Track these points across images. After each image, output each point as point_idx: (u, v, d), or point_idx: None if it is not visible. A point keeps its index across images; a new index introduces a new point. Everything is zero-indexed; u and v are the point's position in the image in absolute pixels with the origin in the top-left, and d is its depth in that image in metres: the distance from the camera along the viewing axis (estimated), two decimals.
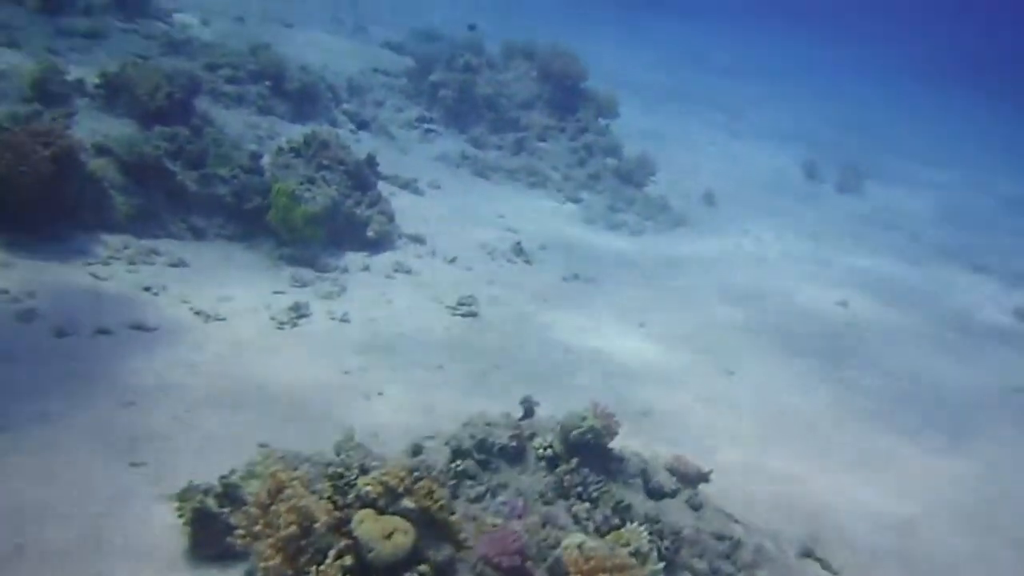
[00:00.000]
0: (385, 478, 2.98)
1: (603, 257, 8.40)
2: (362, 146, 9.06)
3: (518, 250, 7.76)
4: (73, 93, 7.09)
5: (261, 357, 4.98)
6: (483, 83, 10.40)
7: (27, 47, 7.81)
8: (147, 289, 5.37)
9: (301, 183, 6.60)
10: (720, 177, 12.39)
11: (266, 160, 6.92)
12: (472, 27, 11.48)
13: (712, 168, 13.01)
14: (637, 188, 10.11)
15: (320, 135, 6.95)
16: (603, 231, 9.32)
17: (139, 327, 4.87)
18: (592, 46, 16.00)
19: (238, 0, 12.06)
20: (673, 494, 4.33)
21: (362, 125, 9.33)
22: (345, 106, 9.56)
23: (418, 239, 7.41)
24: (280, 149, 7.05)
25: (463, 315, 6.29)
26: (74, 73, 7.53)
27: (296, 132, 8.55)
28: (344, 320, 5.76)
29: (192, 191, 6.43)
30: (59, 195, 5.48)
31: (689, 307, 7.56)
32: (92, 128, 6.80)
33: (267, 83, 8.74)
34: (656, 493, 4.27)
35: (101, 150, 6.14)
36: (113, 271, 5.47)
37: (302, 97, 8.93)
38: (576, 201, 9.72)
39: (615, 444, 4.15)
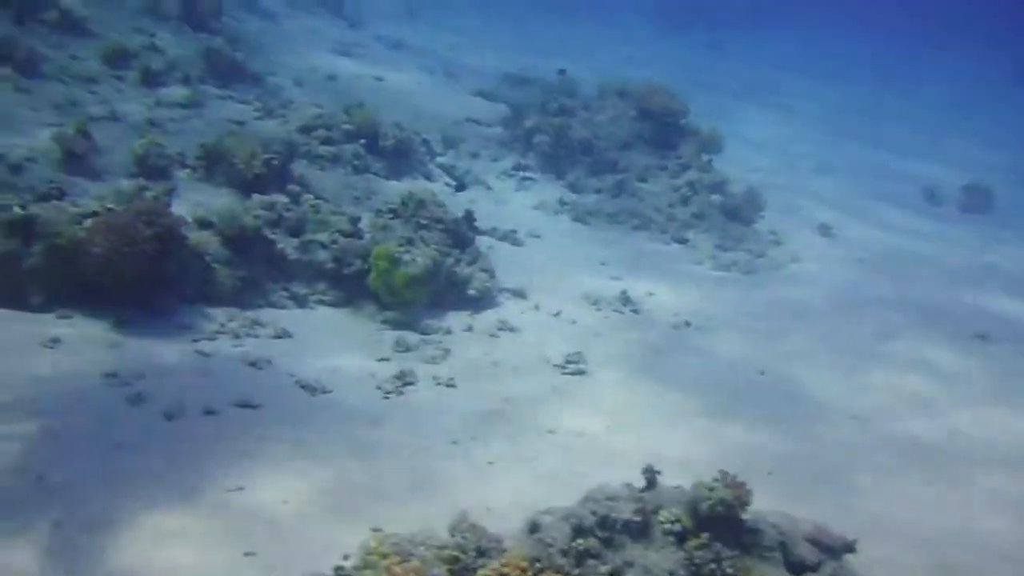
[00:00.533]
0: (506, 571, 2.87)
1: (716, 301, 8.14)
2: (457, 198, 9.18)
3: (624, 299, 7.60)
4: (173, 165, 7.39)
5: (368, 432, 4.97)
6: (578, 126, 10.37)
7: (129, 119, 8.20)
8: (252, 364, 5.45)
9: (400, 245, 6.65)
10: (834, 207, 11.95)
11: (365, 222, 7.01)
12: (562, 72, 11.53)
13: (822, 195, 12.58)
14: (746, 225, 9.83)
15: (417, 194, 7.01)
16: (712, 271, 9.08)
17: (246, 405, 4.93)
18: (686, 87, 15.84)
19: (328, 60, 12.47)
20: (816, 567, 4.07)
21: (457, 178, 9.39)
22: (440, 159, 9.67)
23: (520, 293, 7.35)
24: (378, 211, 7.15)
25: (571, 374, 6.17)
26: (174, 144, 7.89)
27: (392, 189, 8.75)
28: (450, 385, 5.72)
29: (293, 259, 6.56)
30: (163, 272, 5.65)
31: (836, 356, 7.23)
32: (193, 200, 7.05)
33: (362, 141, 8.92)
34: (797, 567, 4.02)
35: (203, 223, 6.34)
36: (218, 346, 5.59)
37: (397, 153, 9.07)
38: (682, 241, 9.51)
39: (748, 515, 3.93)
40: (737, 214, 9.80)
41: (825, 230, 10.74)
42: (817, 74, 24.84)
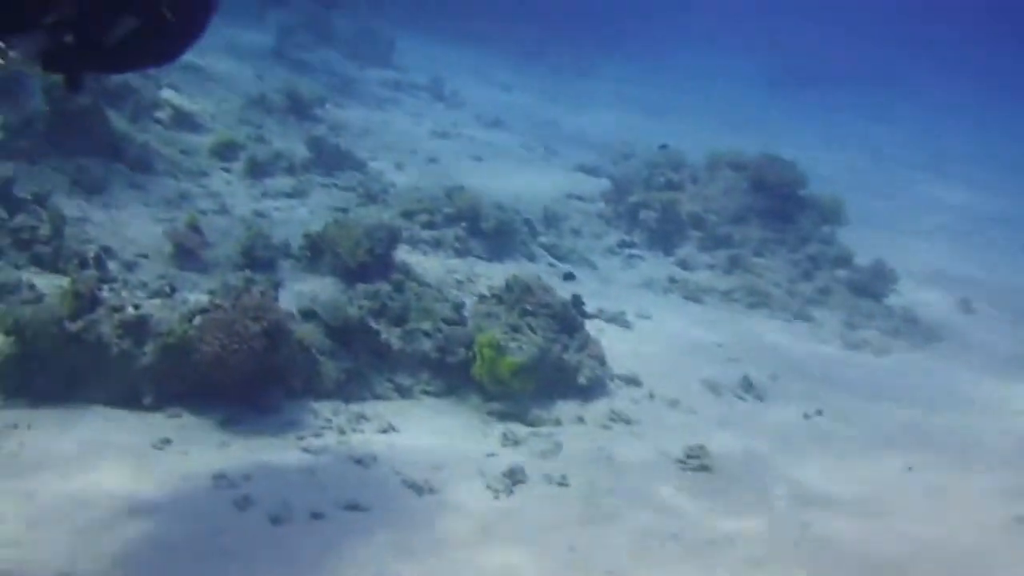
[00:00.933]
0: None
1: (848, 385, 7.74)
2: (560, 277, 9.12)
3: (746, 384, 7.30)
4: (279, 256, 7.57)
5: (482, 540, 4.81)
6: (687, 200, 10.21)
7: (237, 211, 8.50)
8: (358, 461, 5.40)
9: (505, 332, 6.57)
10: (971, 280, 11.35)
11: (469, 309, 6.98)
12: (664, 147, 11.48)
13: (956, 267, 11.97)
14: (876, 300, 9.39)
15: (522, 279, 6.94)
16: (841, 351, 8.67)
17: (354, 507, 4.86)
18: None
19: (428, 142, 12.76)
20: None
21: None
22: (542, 238, 9.64)
23: (633, 380, 7.14)
24: (482, 297, 7.11)
25: (694, 470, 5.89)
26: (280, 233, 8.11)
27: (495, 271, 8.74)
28: (562, 484, 5.52)
29: (396, 349, 6.55)
30: (270, 367, 5.71)
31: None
32: (297, 290, 7.19)
33: (463, 224, 8.99)
34: None
35: (307, 315, 6.42)
36: (324, 443, 5.57)
37: (498, 234, 9.09)
38: (805, 319, 9.14)
39: None
40: (866, 289, 9.38)
41: (966, 305, 10.18)
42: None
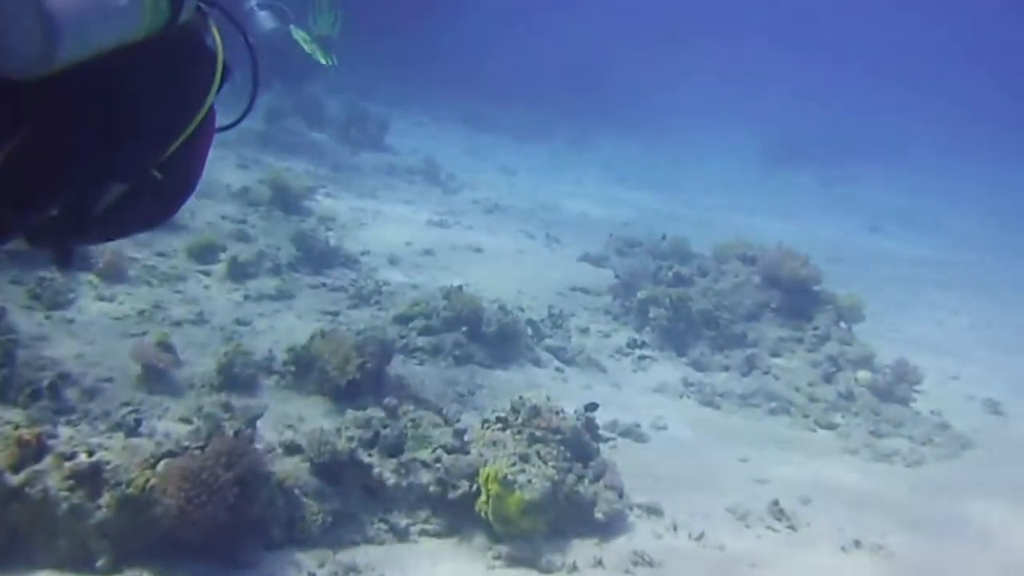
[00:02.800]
0: None
1: (884, 507, 7.04)
2: (569, 386, 8.46)
3: (777, 512, 6.60)
4: (260, 373, 6.93)
5: None
6: (698, 296, 9.62)
7: (215, 320, 7.87)
8: None
9: (513, 464, 5.89)
10: (997, 378, 10.71)
11: (471, 434, 6.31)
12: (664, 238, 10.98)
13: (983, 363, 11.35)
14: (902, 405, 8.74)
15: (530, 400, 6.29)
16: (871, 464, 7.99)
17: None
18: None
19: (424, 233, 12.22)
20: None
21: (569, 361, 8.72)
22: (548, 341, 9.02)
23: (654, 509, 6.44)
24: (485, 421, 6.45)
25: None
26: (263, 343, 7.48)
27: (498, 380, 8.12)
28: None
29: (391, 484, 5.85)
30: (245, 518, 5.01)
31: None
32: (280, 412, 6.55)
33: (463, 329, 8.37)
34: None
35: (290, 448, 5.75)
36: None
37: (501, 339, 8.48)
38: (829, 427, 8.47)
39: None
40: (891, 393, 8.74)
41: (994, 406, 9.53)
42: None
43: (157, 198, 2.61)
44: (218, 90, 2.65)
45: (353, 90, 20.41)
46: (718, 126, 29.49)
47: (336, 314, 8.71)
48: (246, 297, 8.51)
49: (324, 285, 9.28)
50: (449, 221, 13.26)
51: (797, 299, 9.59)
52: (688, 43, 37.25)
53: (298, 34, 13.40)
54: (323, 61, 12.85)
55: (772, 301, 9.61)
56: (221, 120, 2.86)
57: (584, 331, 9.68)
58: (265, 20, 13.20)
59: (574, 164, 22.12)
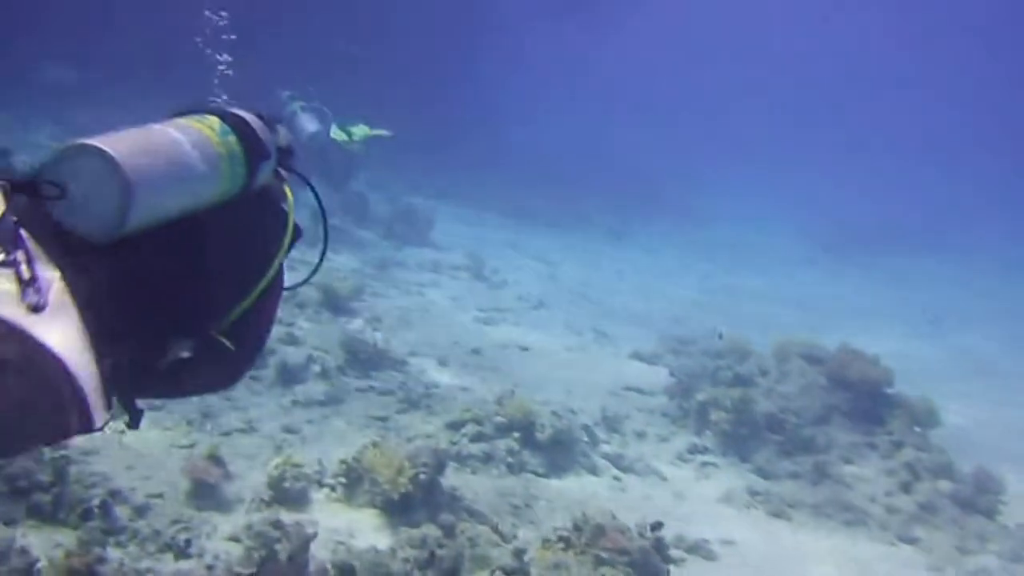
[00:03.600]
0: None
1: None
2: (629, 496, 8.18)
3: None
4: (311, 486, 6.78)
5: None
6: (761, 397, 9.35)
7: (264, 428, 7.77)
8: None
9: None
10: None
11: (531, 554, 6.06)
12: (720, 336, 10.80)
13: None
14: (987, 518, 8.32)
15: (592, 518, 6.05)
16: None
17: None
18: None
19: (471, 331, 12.15)
20: None
21: (627, 468, 8.47)
22: (604, 447, 8.78)
23: None
24: (546, 540, 6.20)
25: None
26: (312, 452, 7.35)
27: (554, 489, 7.87)
28: None
29: None
30: None
31: None
32: (332, 527, 6.35)
33: (515, 435, 8.18)
34: None
35: (343, 570, 5.55)
36: None
37: (555, 445, 8.27)
38: (910, 542, 8.06)
39: None
40: (973, 504, 8.33)
41: None
42: None
43: (222, 362, 2.65)
44: (288, 250, 2.74)
45: (397, 185, 20.76)
46: (761, 215, 29.46)
47: (385, 419, 8.57)
48: (295, 403, 8.42)
49: (373, 388, 9.18)
50: (495, 318, 13.19)
51: (868, 402, 9.28)
52: (727, 129, 37.72)
53: (338, 133, 13.70)
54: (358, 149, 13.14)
55: (841, 404, 9.31)
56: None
57: (641, 435, 9.43)
58: (308, 123, 13.55)
59: (616, 254, 22.10)
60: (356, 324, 10.69)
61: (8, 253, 1.99)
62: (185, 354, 2.55)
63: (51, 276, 2.03)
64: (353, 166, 14.82)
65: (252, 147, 2.56)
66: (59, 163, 2.14)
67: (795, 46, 46.83)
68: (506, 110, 29.15)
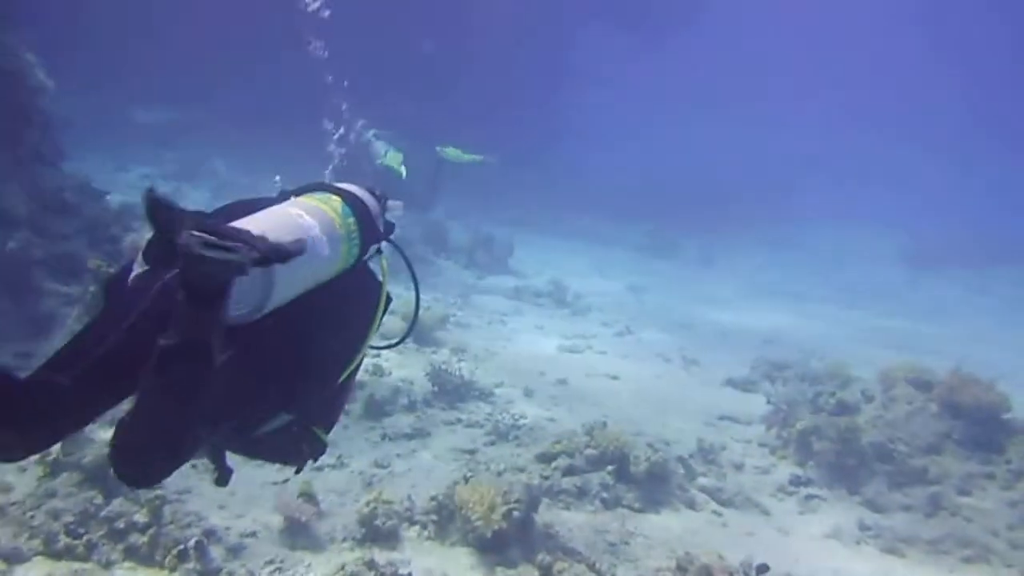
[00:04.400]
0: None
1: None
2: (730, 531, 7.89)
3: None
4: (402, 523, 6.70)
5: None
6: (867, 425, 8.96)
7: (354, 464, 7.75)
8: None
9: None
10: None
11: None
12: (833, 395, 10.40)
13: None
14: None
15: (698, 558, 5.82)
16: None
17: None
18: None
19: (557, 360, 12.00)
20: None
21: (726, 502, 8.18)
22: (702, 480, 8.51)
23: None
24: None
25: None
26: (401, 486, 7.29)
27: (651, 525, 7.64)
28: None
29: None
30: None
31: None
32: (425, 568, 6.27)
33: (609, 468, 7.98)
34: None
35: None
36: None
37: (650, 479, 8.04)
38: None
39: None
40: None
41: None
42: None
43: (304, 441, 2.78)
44: (380, 322, 2.86)
45: (476, 213, 20.83)
46: (851, 231, 28.69)
47: (473, 452, 8.49)
48: (384, 436, 8.41)
49: (460, 421, 9.11)
50: (581, 346, 13.03)
51: (984, 429, 8.80)
52: (810, 145, 36.93)
53: (393, 159, 13.67)
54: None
55: (954, 431, 8.85)
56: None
57: (739, 467, 9.12)
58: (384, 149, 13.64)
59: (702, 278, 21.75)
60: (442, 355, 10.66)
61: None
62: (277, 426, 2.65)
63: None
64: (438, 189, 14.86)
65: (367, 230, 2.73)
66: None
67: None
68: (584, 134, 29.13)
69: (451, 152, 13.86)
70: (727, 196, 28.38)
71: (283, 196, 2.76)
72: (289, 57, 12.89)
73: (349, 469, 7.62)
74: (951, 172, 36.40)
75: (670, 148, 33.59)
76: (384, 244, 3.01)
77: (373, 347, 2.94)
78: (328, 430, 2.86)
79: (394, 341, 3.38)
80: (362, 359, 2.86)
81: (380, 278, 2.91)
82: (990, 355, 13.98)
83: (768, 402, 10.21)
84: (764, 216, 28.51)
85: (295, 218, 2.46)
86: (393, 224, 3.05)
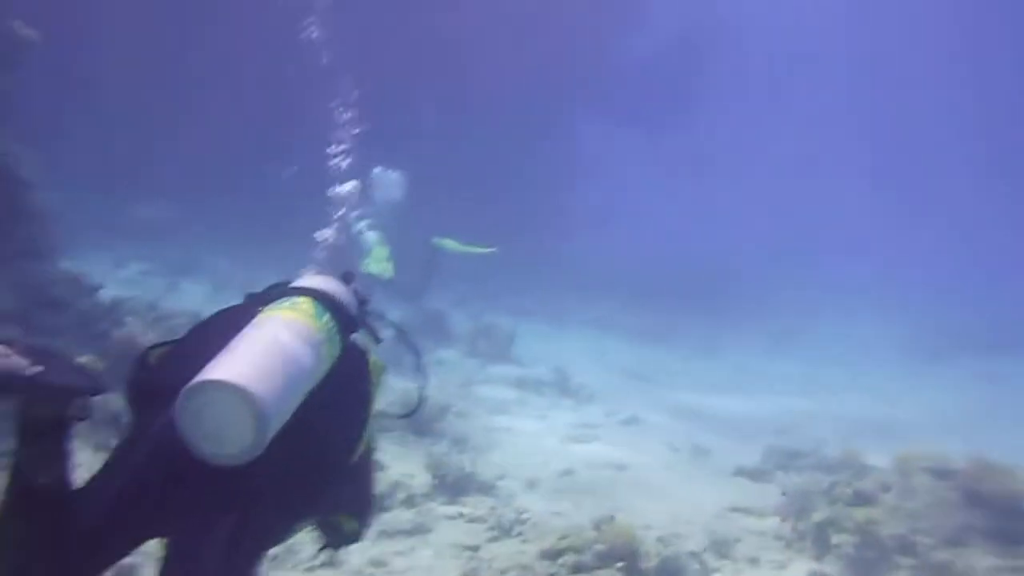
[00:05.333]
0: None
1: None
2: None
3: None
4: None
5: None
6: (886, 516, 8.62)
7: (349, 562, 7.42)
8: None
9: None
10: None
11: None
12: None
13: None
14: None
15: None
16: None
17: None
18: None
19: (561, 451, 11.71)
20: None
21: None
22: None
23: None
24: None
25: None
26: None
27: None
28: None
29: None
30: None
31: None
32: None
33: (618, 565, 7.62)
34: None
35: None
36: None
37: (663, 575, 7.66)
38: None
39: None
40: None
41: None
42: None
43: (340, 530, 2.95)
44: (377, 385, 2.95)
45: (477, 301, 20.73)
46: (853, 319, 28.56)
47: (476, 548, 8.14)
48: (382, 533, 8.08)
49: (461, 515, 8.80)
50: (586, 435, 12.74)
51: (1009, 520, 8.45)
52: (810, 227, 37.19)
53: (377, 258, 13.52)
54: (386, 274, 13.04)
55: (978, 522, 8.49)
56: None
57: (754, 561, 8.74)
58: (372, 241, 13.58)
59: (707, 365, 21.49)
60: (442, 446, 10.39)
61: None
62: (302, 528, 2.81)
63: None
64: (428, 280, 14.73)
65: (344, 323, 2.79)
66: (193, 396, 2.31)
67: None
68: (576, 217, 29.25)
69: (448, 244, 13.81)
70: (731, 280, 28.41)
71: (252, 301, 2.84)
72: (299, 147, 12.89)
73: (344, 568, 7.28)
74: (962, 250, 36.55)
75: (672, 234, 33.77)
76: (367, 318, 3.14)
77: (386, 415, 3.12)
78: (362, 515, 2.98)
79: (409, 411, 3.54)
80: (371, 437, 2.94)
81: (366, 352, 2.97)
82: (1007, 440, 13.67)
83: (782, 493, 9.88)
84: (767, 300, 28.46)
85: (278, 342, 2.48)
86: (366, 297, 3.14)
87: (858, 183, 44.62)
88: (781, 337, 25.59)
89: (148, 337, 8.49)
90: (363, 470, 2.93)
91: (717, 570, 8.30)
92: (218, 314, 2.82)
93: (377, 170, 13.59)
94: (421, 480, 9.17)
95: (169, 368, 2.50)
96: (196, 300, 16.01)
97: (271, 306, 2.68)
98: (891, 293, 30.46)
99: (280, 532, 2.67)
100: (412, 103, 22.66)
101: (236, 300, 3.09)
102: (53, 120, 19.70)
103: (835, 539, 8.51)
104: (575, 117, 28.41)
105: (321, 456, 2.62)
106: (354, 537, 3.00)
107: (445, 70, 22.93)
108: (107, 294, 9.63)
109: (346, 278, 3.04)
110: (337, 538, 2.98)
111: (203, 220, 22.05)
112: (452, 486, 9.22)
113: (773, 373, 21.72)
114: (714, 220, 36.37)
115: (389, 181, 13.57)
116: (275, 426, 2.37)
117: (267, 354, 2.41)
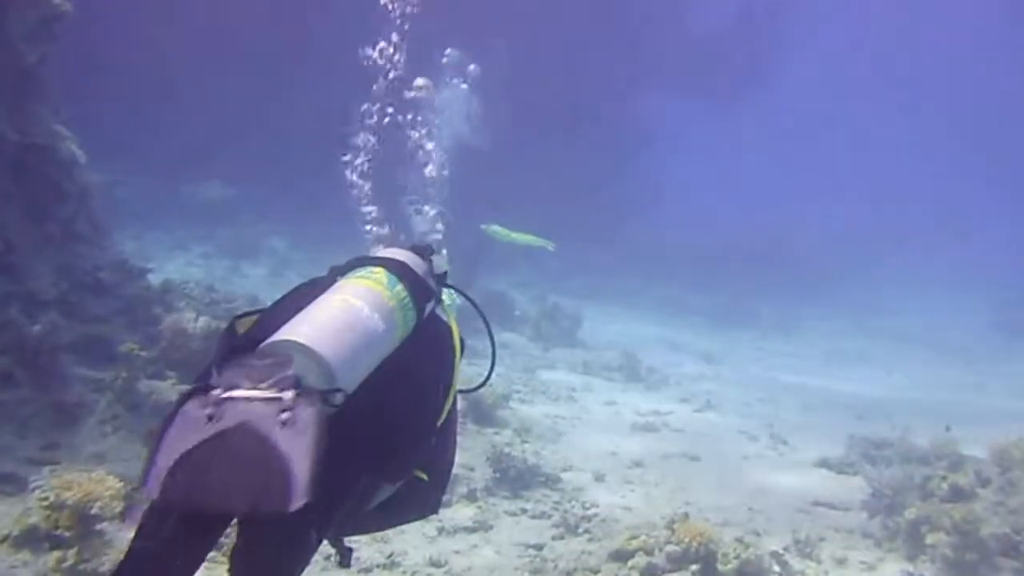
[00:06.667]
0: None
1: None
2: None
3: None
4: None
5: None
6: (987, 513, 7.98)
7: (406, 561, 7.10)
8: None
9: None
10: None
11: None
12: (948, 429, 9.52)
13: None
14: None
15: None
16: None
17: None
18: None
19: (630, 440, 11.24)
20: None
21: None
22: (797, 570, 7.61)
23: None
24: None
25: None
26: None
27: None
28: None
29: None
30: None
31: None
32: None
33: (693, 567, 7.16)
34: None
35: None
36: None
37: None
38: None
39: None
40: None
41: None
42: None
43: (421, 494, 2.93)
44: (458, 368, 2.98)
45: (541, 283, 20.31)
46: (936, 292, 27.43)
47: (540, 547, 7.75)
48: (441, 530, 7.74)
49: (524, 511, 8.43)
50: (656, 424, 12.24)
51: None
52: (892, 214, 35.82)
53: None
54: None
55: None
56: None
57: (841, 562, 8.17)
58: (420, 226, 13.18)
59: (782, 347, 20.78)
60: (504, 436, 10.02)
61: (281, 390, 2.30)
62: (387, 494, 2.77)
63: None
64: (476, 269, 14.30)
65: (418, 291, 2.84)
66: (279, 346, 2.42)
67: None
68: (656, 199, 28.63)
69: (497, 231, 13.35)
70: (804, 258, 27.49)
71: (332, 273, 2.89)
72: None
73: (401, 569, 6.96)
74: None
75: (743, 211, 32.84)
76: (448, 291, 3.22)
77: (461, 391, 3.06)
78: (442, 482, 3.04)
79: (477, 384, 3.55)
80: (454, 405, 3.01)
81: (449, 324, 3.03)
82: None
83: (869, 487, 9.27)
84: (843, 279, 27.50)
85: (347, 306, 2.58)
86: (445, 272, 3.18)
87: (941, 160, 42.96)
88: (861, 315, 24.68)
89: (199, 324, 8.29)
90: (445, 437, 3.00)
91: (801, 572, 7.76)
92: (300, 285, 2.91)
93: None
94: (482, 473, 8.82)
95: (251, 333, 2.57)
96: (255, 283, 15.93)
97: (347, 275, 2.78)
98: (979, 275, 29.15)
99: (363, 497, 2.69)
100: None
101: (295, 282, 3.18)
102: (128, 107, 19.86)
103: (930, 538, 7.89)
104: (650, 89, 27.69)
105: (405, 420, 2.69)
106: (433, 508, 3.07)
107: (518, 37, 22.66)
108: (156, 278, 9.47)
109: (423, 251, 3.10)
110: (414, 507, 2.99)
111: (266, 203, 22.04)
112: (515, 479, 8.85)
113: (852, 352, 20.92)
114: (790, 196, 35.31)
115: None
116: (344, 383, 2.43)
117: (336, 318, 2.52)
